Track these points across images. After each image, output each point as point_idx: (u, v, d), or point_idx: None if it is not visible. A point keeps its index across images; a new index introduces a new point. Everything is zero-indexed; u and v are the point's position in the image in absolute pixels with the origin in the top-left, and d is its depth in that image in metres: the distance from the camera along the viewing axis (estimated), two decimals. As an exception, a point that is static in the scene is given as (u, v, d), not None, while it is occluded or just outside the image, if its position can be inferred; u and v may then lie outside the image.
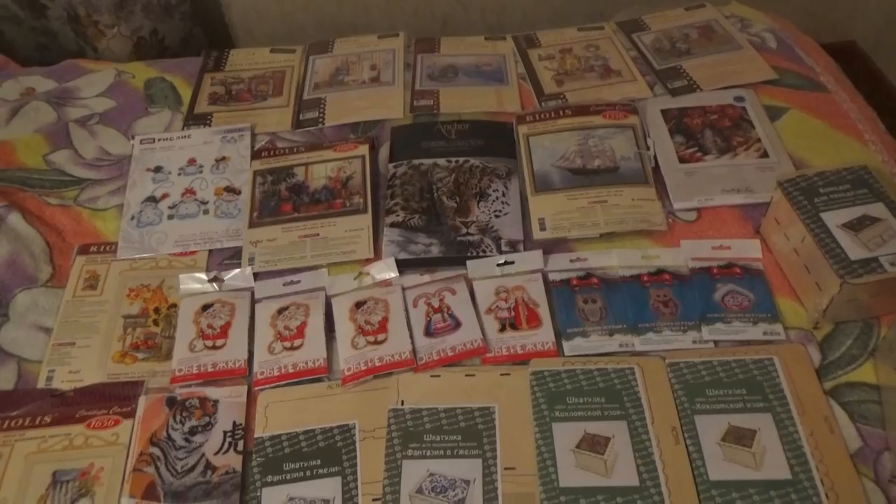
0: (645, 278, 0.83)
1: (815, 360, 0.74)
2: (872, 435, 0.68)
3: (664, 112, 0.98)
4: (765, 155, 0.91)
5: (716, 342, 0.76)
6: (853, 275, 0.70)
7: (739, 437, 0.68)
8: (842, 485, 0.64)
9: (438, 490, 0.68)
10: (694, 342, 0.77)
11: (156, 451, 0.72)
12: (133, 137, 1.00)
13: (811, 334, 0.76)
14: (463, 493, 0.68)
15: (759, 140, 0.93)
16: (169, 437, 0.73)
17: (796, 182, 0.79)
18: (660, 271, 0.83)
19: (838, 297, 0.72)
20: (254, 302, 0.84)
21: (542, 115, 0.98)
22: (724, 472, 0.66)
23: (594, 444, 0.69)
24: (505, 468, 0.69)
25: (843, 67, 1.10)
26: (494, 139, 0.97)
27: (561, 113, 0.98)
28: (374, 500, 0.68)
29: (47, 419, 0.75)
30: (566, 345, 0.78)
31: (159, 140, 1.00)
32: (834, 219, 0.75)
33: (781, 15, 1.17)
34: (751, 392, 0.71)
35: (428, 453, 0.70)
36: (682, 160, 0.92)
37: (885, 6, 1.60)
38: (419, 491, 0.68)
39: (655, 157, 0.92)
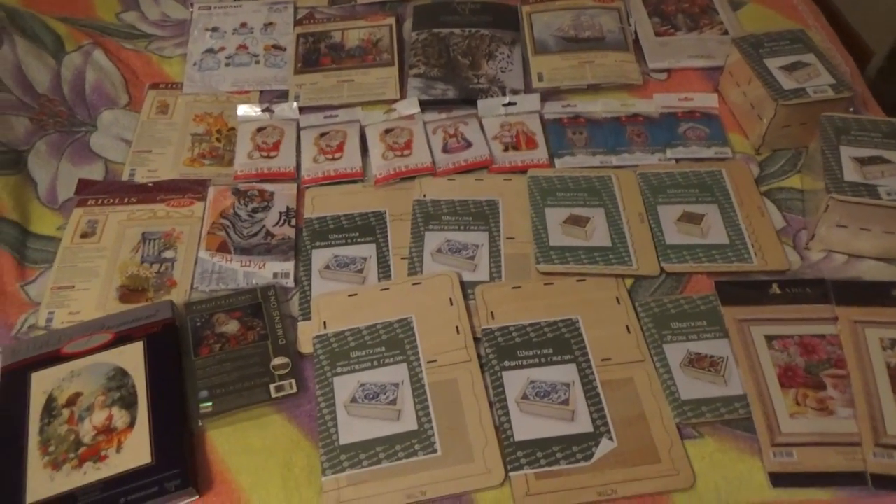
0: (623, 119, 1.01)
1: (755, 172, 0.93)
2: (794, 219, 0.87)
3: (644, 1, 1.16)
4: (725, 33, 1.10)
5: (677, 160, 0.95)
6: (786, 99, 0.89)
7: (691, 218, 0.87)
8: (767, 246, 0.83)
9: (454, 250, 0.86)
10: (660, 160, 0.95)
11: (225, 221, 0.89)
12: (192, 5, 1.17)
13: (753, 157, 0.95)
14: (474, 252, 0.85)
15: (721, 23, 1.12)
16: (235, 213, 0.90)
17: (747, 39, 0.98)
18: (635, 115, 1.01)
19: (774, 120, 0.91)
20: (299, 129, 1.01)
21: (543, -1, 1.16)
22: (677, 240, 0.85)
23: (577, 220, 0.87)
24: (507, 237, 0.87)
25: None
26: (502, 17, 1.15)
27: (559, -3, 1.16)
28: (402, 258, 0.86)
29: (133, 199, 0.91)
30: (557, 161, 0.96)
31: (215, 7, 1.17)
32: (774, 63, 0.94)
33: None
34: (702, 191, 0.90)
35: (446, 228, 0.88)
36: (657, 35, 1.10)
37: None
38: (439, 251, 0.85)
39: (636, 32, 1.10)
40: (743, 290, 0.79)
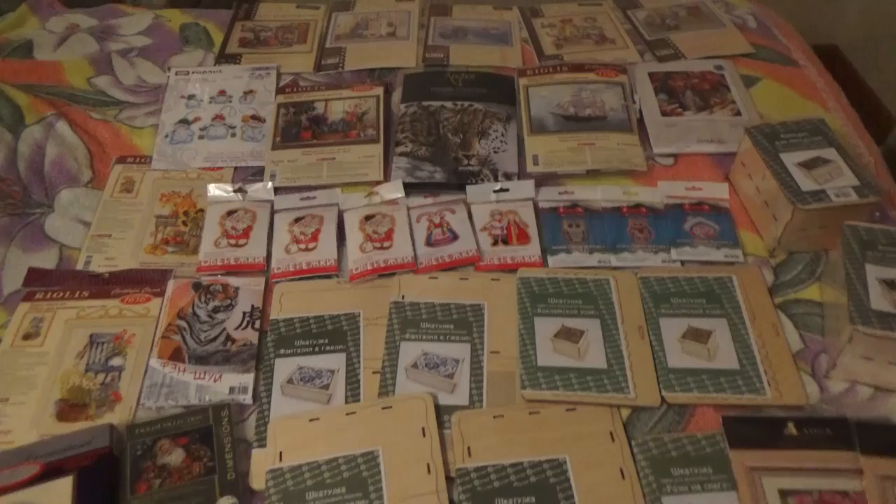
0: (624, 210, 0.92)
1: (769, 280, 0.84)
2: (813, 340, 0.78)
3: (651, 74, 1.08)
4: (738, 114, 1.02)
5: (682, 262, 0.86)
6: (804, 202, 0.80)
7: (697, 336, 0.78)
8: (782, 375, 0.74)
9: (431, 366, 0.77)
10: (663, 261, 0.86)
11: (182, 323, 0.81)
12: (169, 69, 1.10)
13: (767, 260, 0.86)
14: (453, 368, 0.77)
15: (733, 102, 1.03)
16: (194, 313, 0.82)
17: (761, 129, 0.90)
18: (638, 205, 0.93)
19: (791, 224, 0.82)
20: (273, 212, 0.94)
21: (541, 70, 1.09)
22: (681, 362, 0.76)
23: (570, 335, 0.78)
24: (490, 352, 0.78)
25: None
26: (497, 89, 1.07)
27: (558, 69, 1.08)
28: (373, 372, 0.77)
29: (85, 294, 0.84)
30: (550, 259, 0.87)
31: (193, 72, 1.10)
32: (791, 158, 0.85)
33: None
34: (710, 302, 0.81)
35: (423, 337, 0.79)
36: (664, 114, 1.02)
37: (866, 14, 1.72)
38: (414, 366, 0.77)
39: (640, 111, 1.02)
40: (754, 430, 0.69)
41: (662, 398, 0.73)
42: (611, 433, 0.70)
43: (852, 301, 0.71)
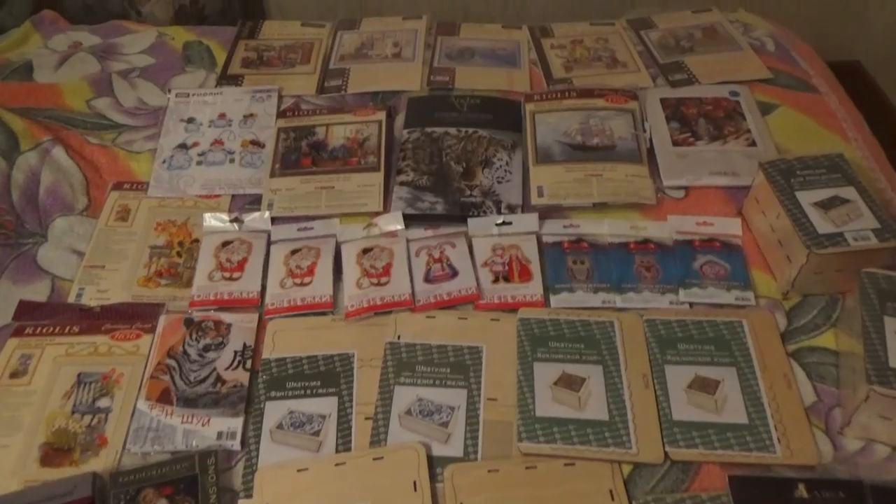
0: (631, 246, 0.89)
1: (782, 325, 0.80)
2: (827, 392, 0.74)
3: (663, 100, 1.04)
4: (753, 144, 0.98)
5: (691, 304, 0.83)
6: (820, 246, 0.76)
7: (704, 386, 0.74)
8: (794, 432, 0.70)
9: (426, 413, 0.74)
10: (671, 303, 0.83)
11: (172, 362, 0.79)
12: (169, 91, 1.08)
13: (780, 303, 0.82)
14: (448, 417, 0.74)
15: (748, 131, 0.99)
16: (184, 351, 0.80)
17: (776, 164, 0.86)
18: (646, 241, 0.89)
19: (806, 267, 0.78)
20: (269, 243, 0.92)
21: (549, 95, 1.05)
22: (687, 414, 0.72)
23: (570, 382, 0.75)
24: (487, 398, 0.75)
25: (846, 86, 1.15)
26: (503, 114, 1.04)
27: (566, 94, 1.05)
28: (366, 418, 0.75)
29: (75, 329, 0.82)
30: (553, 298, 0.84)
31: (193, 95, 1.08)
32: (807, 197, 0.81)
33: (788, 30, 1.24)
34: (718, 348, 0.77)
35: (419, 381, 0.77)
36: (675, 144, 0.98)
37: (891, 28, 1.66)
38: (408, 412, 0.74)
39: (651, 140, 0.99)
40: (762, 491, 0.66)
41: (666, 454, 0.70)
42: (611, 491, 0.67)
43: (869, 357, 0.67)
